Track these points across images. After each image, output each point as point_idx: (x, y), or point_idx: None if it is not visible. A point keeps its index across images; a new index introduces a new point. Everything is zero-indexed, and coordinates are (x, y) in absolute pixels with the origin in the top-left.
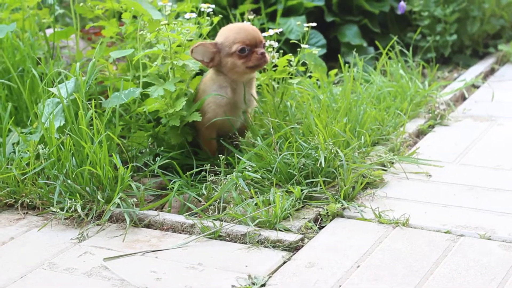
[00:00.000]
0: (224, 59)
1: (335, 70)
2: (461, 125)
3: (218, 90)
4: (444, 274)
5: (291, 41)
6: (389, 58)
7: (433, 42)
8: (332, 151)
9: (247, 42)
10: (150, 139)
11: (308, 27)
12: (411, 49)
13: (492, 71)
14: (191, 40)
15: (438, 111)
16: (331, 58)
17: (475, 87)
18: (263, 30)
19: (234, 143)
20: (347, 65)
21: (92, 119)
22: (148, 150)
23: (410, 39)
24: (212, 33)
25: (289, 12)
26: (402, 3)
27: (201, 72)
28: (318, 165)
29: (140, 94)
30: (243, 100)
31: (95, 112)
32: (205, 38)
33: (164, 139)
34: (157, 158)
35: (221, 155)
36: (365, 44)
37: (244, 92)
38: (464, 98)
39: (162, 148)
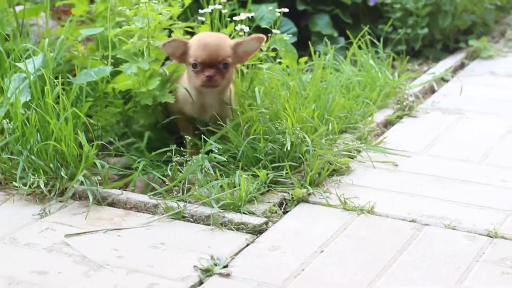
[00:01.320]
0: (187, 65)
1: (305, 58)
2: (429, 117)
3: (187, 86)
4: (408, 262)
5: (262, 27)
6: (360, 48)
7: (404, 35)
8: (299, 136)
9: (199, 60)
10: (118, 118)
11: (279, 13)
12: (381, 40)
13: (462, 66)
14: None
15: (406, 102)
16: (302, 47)
17: (445, 81)
18: (233, 15)
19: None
20: (317, 53)
21: (58, 97)
22: (115, 128)
23: (382, 31)
24: (183, 16)
25: None
26: None
27: None
28: (284, 149)
29: (109, 74)
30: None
31: (62, 89)
32: (177, 18)
33: (133, 118)
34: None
35: (187, 137)
36: (336, 34)
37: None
38: (433, 91)
39: (132, 126)
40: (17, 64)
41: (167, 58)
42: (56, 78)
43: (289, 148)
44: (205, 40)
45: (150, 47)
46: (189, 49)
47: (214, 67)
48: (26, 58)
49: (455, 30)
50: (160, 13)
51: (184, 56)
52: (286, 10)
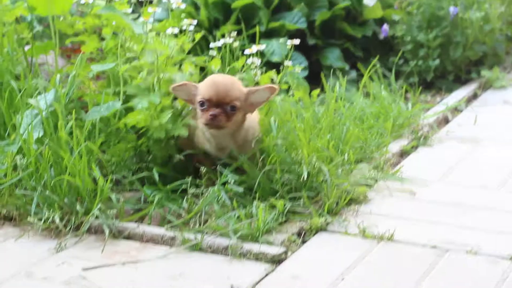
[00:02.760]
0: (196, 105)
1: (318, 90)
2: (444, 146)
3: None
4: None
5: (274, 61)
6: (372, 80)
7: (415, 67)
8: (316, 165)
9: (207, 97)
10: (131, 153)
11: (290, 46)
12: (393, 72)
13: (474, 96)
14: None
15: (421, 132)
16: (313, 81)
17: (458, 111)
18: (244, 50)
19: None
20: (329, 85)
21: (71, 132)
22: (128, 163)
23: (393, 63)
24: (194, 53)
25: (271, 34)
26: (385, 26)
27: None
28: (301, 180)
29: (122, 109)
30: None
31: (75, 124)
32: (188, 54)
33: (147, 152)
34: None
35: (203, 167)
36: (347, 68)
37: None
38: (447, 121)
39: (147, 161)
40: (29, 100)
41: None
42: (68, 114)
43: (305, 178)
44: (215, 79)
45: (160, 81)
46: (199, 89)
47: (220, 107)
48: (38, 94)
49: (467, 61)
50: (168, 46)
51: (194, 98)
52: (297, 42)
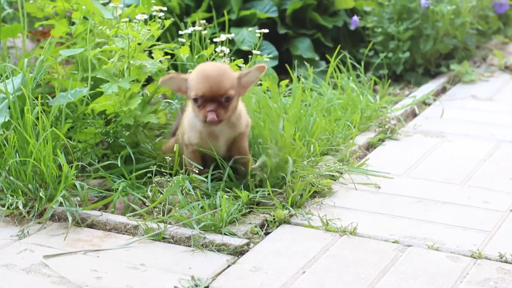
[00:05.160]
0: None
1: (286, 81)
2: (411, 140)
3: (193, 117)
4: (391, 283)
5: (243, 48)
6: (341, 72)
7: (385, 59)
8: (284, 156)
9: (200, 94)
10: (98, 139)
11: (260, 35)
12: (363, 64)
13: (443, 90)
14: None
15: (388, 125)
16: (283, 71)
17: (426, 104)
18: (214, 38)
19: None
20: (298, 75)
21: (38, 118)
22: (95, 149)
23: (363, 55)
24: (164, 40)
25: (241, 22)
26: (355, 18)
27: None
28: (267, 171)
29: (89, 95)
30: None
31: (42, 110)
32: (158, 40)
33: (115, 139)
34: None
35: (168, 157)
36: (317, 58)
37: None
38: (414, 115)
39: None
40: None
41: (148, 80)
42: (36, 99)
43: (270, 169)
44: (206, 72)
45: (130, 68)
46: (189, 84)
47: (215, 101)
48: (5, 78)
49: (437, 54)
50: (141, 33)
51: (186, 91)
52: (267, 31)
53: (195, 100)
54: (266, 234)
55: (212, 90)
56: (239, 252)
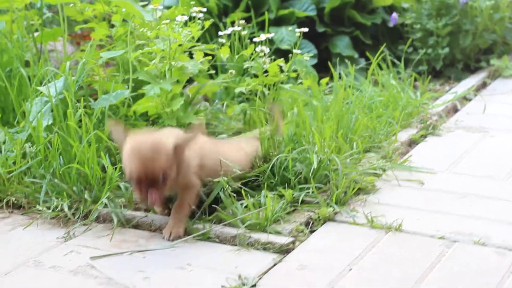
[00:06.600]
0: None
1: (326, 79)
2: (453, 136)
3: None
4: (439, 279)
5: (282, 48)
6: (381, 69)
7: (424, 55)
8: (327, 154)
9: (135, 177)
10: None
11: (299, 34)
12: (402, 61)
13: (484, 85)
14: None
15: (430, 121)
16: (322, 69)
17: (467, 100)
18: (253, 38)
19: None
20: (338, 74)
21: (80, 120)
22: None
23: (402, 52)
24: (203, 40)
25: (280, 21)
26: (394, 14)
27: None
28: (311, 169)
29: (131, 97)
30: None
31: (85, 113)
32: (197, 41)
33: None
34: None
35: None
36: (356, 55)
37: None
38: (455, 110)
39: None
40: (39, 88)
41: (188, 81)
42: (78, 102)
43: (315, 168)
44: (138, 153)
45: (172, 69)
46: (123, 159)
47: (151, 183)
48: (47, 82)
49: (476, 49)
50: (182, 34)
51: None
52: (306, 29)
53: (129, 179)
54: (311, 232)
55: (146, 174)
56: (285, 251)
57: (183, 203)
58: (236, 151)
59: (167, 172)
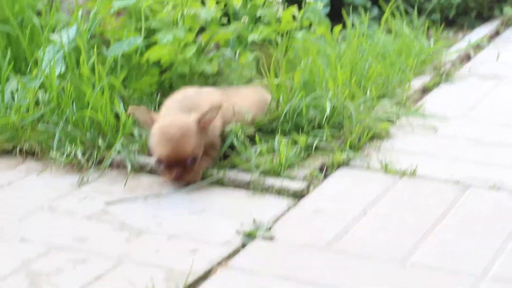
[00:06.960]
0: None
1: (339, 27)
2: (467, 84)
3: None
4: (454, 222)
5: None
6: (394, 17)
7: (437, 4)
8: (341, 100)
9: (164, 159)
10: (154, 88)
11: None
12: (415, 9)
13: (497, 33)
14: None
15: (443, 69)
16: (334, 18)
17: (480, 48)
18: None
19: None
20: (351, 21)
21: (93, 68)
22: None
23: (415, 0)
24: None
25: None
26: None
27: None
28: (325, 115)
29: (143, 45)
30: None
31: (97, 59)
32: None
33: (169, 88)
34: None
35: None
36: (369, 5)
37: None
38: (469, 58)
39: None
40: (51, 35)
41: (200, 29)
42: (90, 50)
43: (328, 114)
44: (168, 135)
45: (184, 17)
46: (151, 141)
47: (180, 164)
48: (60, 30)
49: None
50: None
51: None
52: None
53: (158, 161)
54: (326, 177)
55: (176, 156)
56: (299, 196)
57: (205, 157)
58: (250, 99)
59: (196, 153)
